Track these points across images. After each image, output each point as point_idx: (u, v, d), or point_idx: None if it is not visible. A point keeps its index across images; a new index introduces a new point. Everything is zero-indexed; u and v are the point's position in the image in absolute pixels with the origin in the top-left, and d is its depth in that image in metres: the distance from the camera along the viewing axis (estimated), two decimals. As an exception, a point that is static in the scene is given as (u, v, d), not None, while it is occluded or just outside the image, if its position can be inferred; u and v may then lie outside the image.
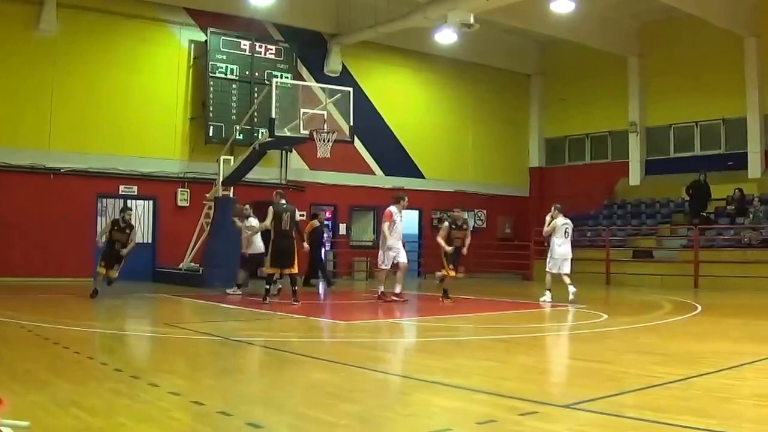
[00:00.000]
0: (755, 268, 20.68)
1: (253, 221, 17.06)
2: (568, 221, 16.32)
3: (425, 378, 7.08)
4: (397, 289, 15.79)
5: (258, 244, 17.03)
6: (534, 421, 5.29)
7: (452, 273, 15.46)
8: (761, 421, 5.37)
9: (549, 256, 16.27)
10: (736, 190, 23.60)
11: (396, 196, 15.98)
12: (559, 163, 31.26)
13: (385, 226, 15.53)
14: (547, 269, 16.24)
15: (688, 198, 24.82)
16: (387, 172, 27.43)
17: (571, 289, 15.40)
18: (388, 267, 15.75)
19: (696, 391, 6.39)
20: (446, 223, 15.68)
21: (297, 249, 15.25)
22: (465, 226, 15.98)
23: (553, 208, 16.39)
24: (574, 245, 16.84)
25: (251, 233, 17.00)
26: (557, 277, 16.01)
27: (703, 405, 5.82)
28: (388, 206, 15.86)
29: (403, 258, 15.97)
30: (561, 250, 16.01)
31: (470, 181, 29.36)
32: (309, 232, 20.26)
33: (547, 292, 15.91)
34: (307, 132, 18.54)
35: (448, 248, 15.26)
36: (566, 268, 15.93)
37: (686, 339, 10.21)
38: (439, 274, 16.08)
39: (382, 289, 15.76)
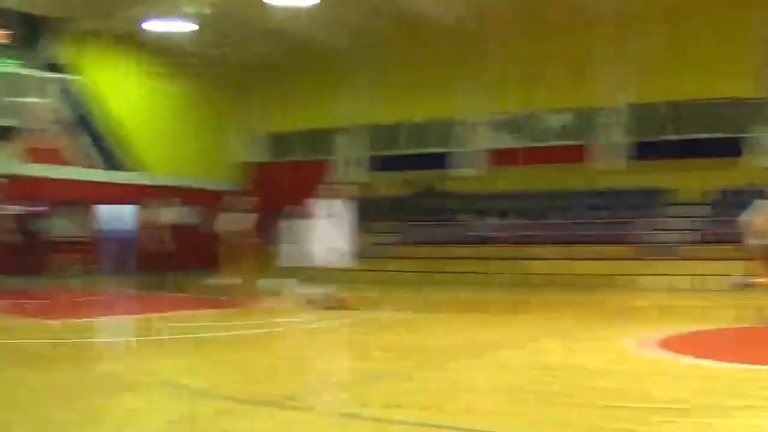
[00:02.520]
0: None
1: None
2: None
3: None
4: None
5: None
6: (231, 418, 5.46)
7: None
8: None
9: None
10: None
11: None
12: (279, 158, 31.71)
13: None
14: None
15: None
16: (105, 165, 26.94)
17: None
18: None
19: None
20: None
21: None
22: None
23: None
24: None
25: None
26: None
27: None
28: None
29: None
30: None
31: (189, 175, 29.31)
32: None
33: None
34: (21, 121, 18.01)
35: None
36: None
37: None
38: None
39: None
